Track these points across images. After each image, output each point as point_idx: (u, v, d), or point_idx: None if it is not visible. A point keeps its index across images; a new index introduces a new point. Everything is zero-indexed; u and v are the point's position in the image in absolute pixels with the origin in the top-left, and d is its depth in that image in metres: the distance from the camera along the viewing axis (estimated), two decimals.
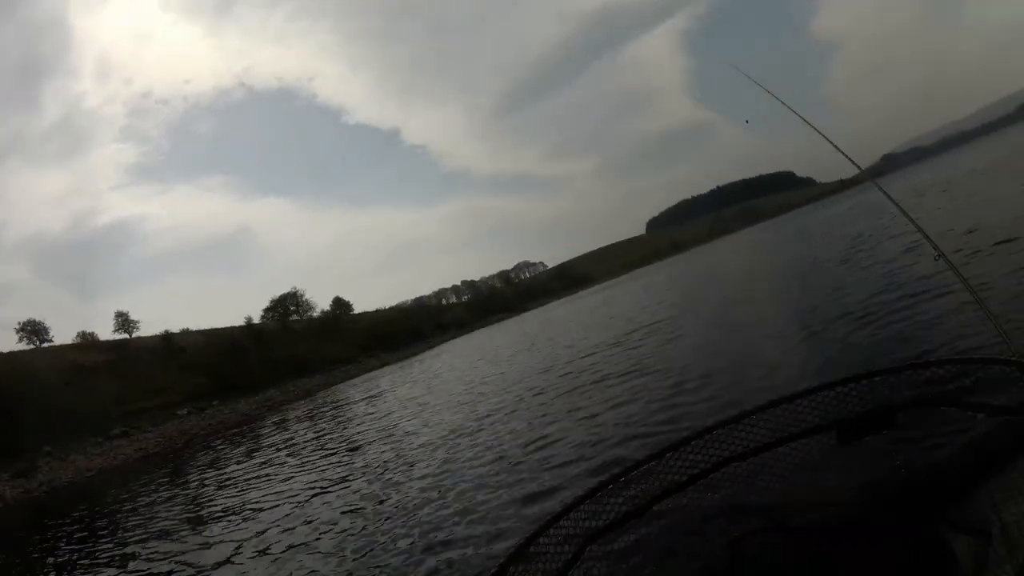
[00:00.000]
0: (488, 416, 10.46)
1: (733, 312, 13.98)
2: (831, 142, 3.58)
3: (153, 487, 16.03)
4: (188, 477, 16.30)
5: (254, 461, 14.67)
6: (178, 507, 11.57)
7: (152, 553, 8.15)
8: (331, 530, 6.56)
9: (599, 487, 1.49)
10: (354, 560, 5.42)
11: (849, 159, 3.59)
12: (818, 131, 3.57)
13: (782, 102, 3.77)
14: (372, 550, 5.48)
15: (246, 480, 11.83)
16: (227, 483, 12.32)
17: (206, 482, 13.77)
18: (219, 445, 23.08)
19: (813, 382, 1.63)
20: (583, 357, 13.85)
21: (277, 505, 8.61)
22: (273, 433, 21.39)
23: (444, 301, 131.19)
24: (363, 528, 6.24)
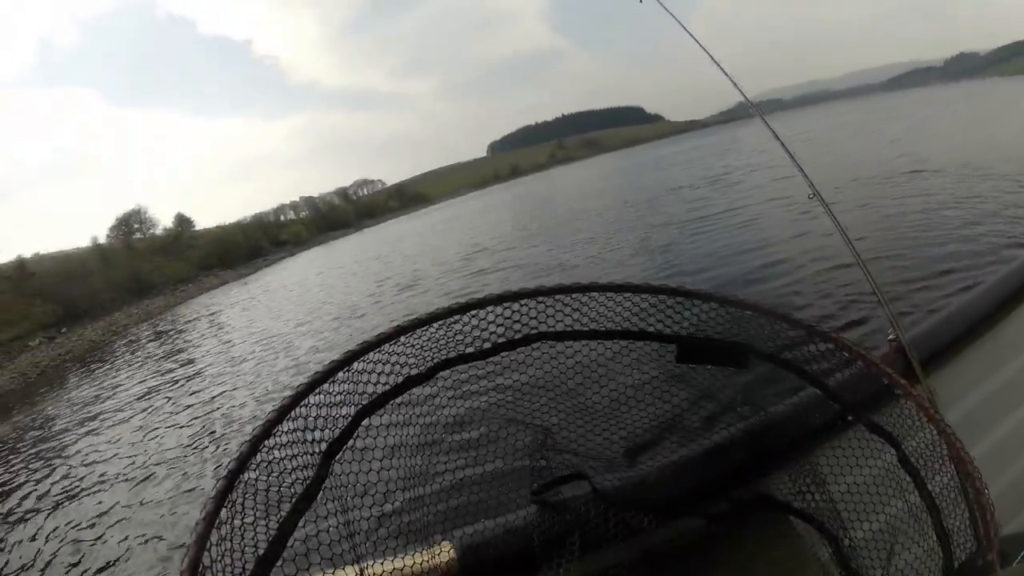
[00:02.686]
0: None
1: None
2: (720, 67, 3.20)
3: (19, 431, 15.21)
4: (56, 415, 15.46)
5: (109, 392, 15.15)
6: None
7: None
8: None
9: (384, 338, 1.09)
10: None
11: (738, 88, 3.28)
12: (707, 52, 3.17)
13: (666, 9, 3.28)
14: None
15: (109, 414, 12.17)
16: (91, 419, 12.38)
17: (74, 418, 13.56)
18: (75, 375, 22.66)
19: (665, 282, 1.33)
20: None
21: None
22: (123, 356, 22.34)
23: (283, 217, 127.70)
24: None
